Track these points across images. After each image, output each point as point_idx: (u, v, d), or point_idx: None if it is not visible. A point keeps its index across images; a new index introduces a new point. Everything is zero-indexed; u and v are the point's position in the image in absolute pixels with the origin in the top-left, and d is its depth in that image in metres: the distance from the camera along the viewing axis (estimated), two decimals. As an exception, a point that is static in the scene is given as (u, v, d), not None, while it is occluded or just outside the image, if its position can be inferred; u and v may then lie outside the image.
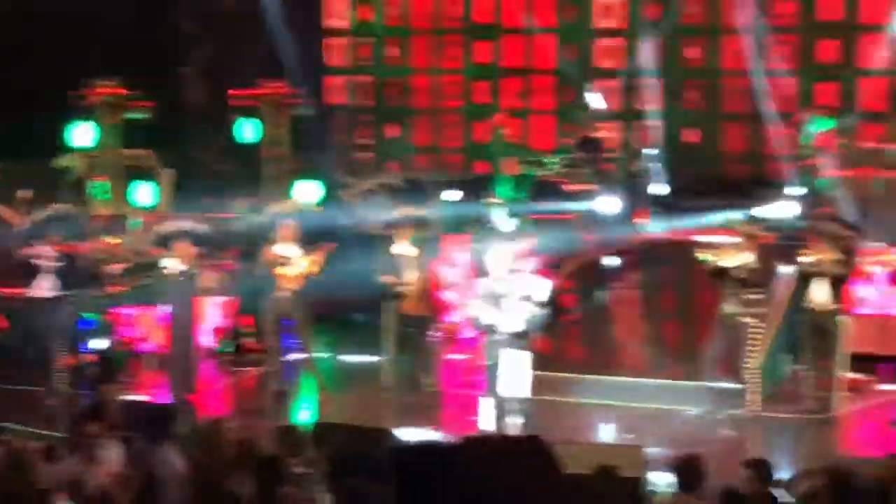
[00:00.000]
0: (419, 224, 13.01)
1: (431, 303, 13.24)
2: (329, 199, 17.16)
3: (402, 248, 12.84)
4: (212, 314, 14.46)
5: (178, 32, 18.51)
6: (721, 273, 12.14)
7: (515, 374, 10.42)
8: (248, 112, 17.77)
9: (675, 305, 15.18)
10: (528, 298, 10.42)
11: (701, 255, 12.18)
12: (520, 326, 10.41)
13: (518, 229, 15.90)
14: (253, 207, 15.81)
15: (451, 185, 17.91)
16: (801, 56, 17.98)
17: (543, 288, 10.61)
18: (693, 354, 13.21)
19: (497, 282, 10.49)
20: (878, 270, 13.87)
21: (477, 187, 17.45)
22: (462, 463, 2.32)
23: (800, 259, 12.28)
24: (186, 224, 12.51)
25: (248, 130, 17.78)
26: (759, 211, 14.23)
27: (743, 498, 7.35)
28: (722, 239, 12.45)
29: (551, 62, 19.18)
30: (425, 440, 7.16)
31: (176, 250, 12.05)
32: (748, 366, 12.22)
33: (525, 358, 10.42)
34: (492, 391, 10.67)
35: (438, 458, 2.35)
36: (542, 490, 2.30)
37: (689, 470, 7.66)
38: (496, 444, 2.38)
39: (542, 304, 10.47)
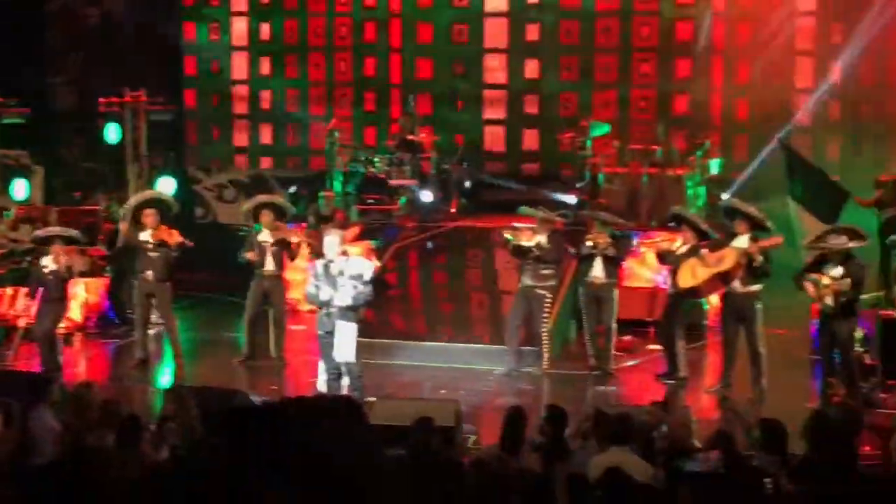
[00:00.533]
0: (278, 211, 12.90)
1: (284, 281, 13.17)
2: (183, 192, 16.81)
3: (265, 234, 12.72)
4: (82, 293, 14.12)
5: (50, 46, 17.94)
6: (520, 251, 12.33)
7: (346, 342, 10.44)
8: (112, 117, 17.34)
9: (482, 281, 15.33)
10: (356, 277, 10.42)
11: (506, 235, 12.38)
12: (349, 301, 10.41)
13: (349, 218, 15.86)
14: (116, 200, 15.43)
15: (290, 180, 17.77)
16: (583, 71, 18.32)
17: (369, 268, 10.64)
18: (498, 322, 13.38)
19: (330, 263, 10.48)
20: (646, 251, 14.24)
21: (313, 182, 17.35)
22: (284, 421, 2.34)
23: (583, 241, 12.53)
24: (59, 229, 12.48)
25: (112, 133, 17.35)
26: (551, 201, 14.45)
27: (520, 435, 7.45)
28: (521, 224, 12.62)
29: (376, 75, 19.17)
30: (258, 401, 7.12)
31: (51, 252, 11.85)
32: (543, 330, 12.43)
33: (353, 328, 10.44)
34: (326, 357, 10.66)
35: (266, 417, 2.37)
36: (354, 442, 2.33)
37: (514, 420, 7.74)
38: (313, 404, 2.40)
39: (368, 282, 10.49)
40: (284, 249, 12.77)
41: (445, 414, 9.08)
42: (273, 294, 12.77)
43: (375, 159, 16.94)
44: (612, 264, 12.42)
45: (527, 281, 12.35)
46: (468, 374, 12.44)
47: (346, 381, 10.71)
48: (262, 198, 13.19)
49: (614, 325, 12.44)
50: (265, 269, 12.69)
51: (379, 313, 13.94)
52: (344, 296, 10.41)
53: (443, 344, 13.38)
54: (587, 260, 12.41)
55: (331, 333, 10.50)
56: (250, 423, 2.35)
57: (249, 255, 12.65)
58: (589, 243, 12.37)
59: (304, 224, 15.18)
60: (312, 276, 10.64)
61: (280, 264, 12.82)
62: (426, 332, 13.85)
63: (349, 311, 10.44)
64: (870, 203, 14.10)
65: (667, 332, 12.19)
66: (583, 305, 12.57)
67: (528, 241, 12.27)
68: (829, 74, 16.56)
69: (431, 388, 11.88)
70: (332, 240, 10.63)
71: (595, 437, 7.55)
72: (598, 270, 12.34)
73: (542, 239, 12.28)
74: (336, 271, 10.42)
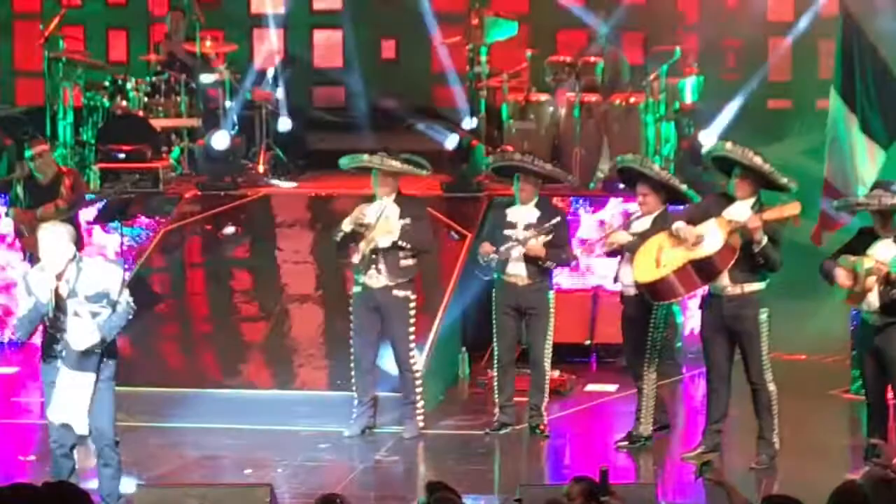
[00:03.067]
0: None
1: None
2: None
3: None
4: None
5: None
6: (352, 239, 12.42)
7: (69, 397, 10.26)
8: None
9: (311, 285, 15.35)
10: (97, 298, 10.28)
11: (342, 228, 12.38)
12: (86, 340, 10.28)
13: (85, 185, 15.69)
14: None
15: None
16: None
17: (117, 278, 10.44)
18: (339, 354, 13.42)
19: (50, 270, 10.32)
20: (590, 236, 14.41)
21: (21, 125, 17.15)
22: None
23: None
24: None
25: None
26: (420, 150, 14.53)
27: None
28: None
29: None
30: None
31: None
32: (412, 360, 12.53)
33: (87, 381, 10.28)
34: (50, 418, 10.57)
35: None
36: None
37: None
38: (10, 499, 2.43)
39: (117, 303, 10.37)
40: None
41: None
42: None
43: (129, 85, 16.81)
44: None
45: (373, 280, 12.46)
46: (291, 439, 12.52)
47: (91, 452, 10.63)
48: None
49: (548, 351, 12.62)
50: None
51: (140, 345, 13.82)
52: (78, 330, 10.37)
53: (248, 392, 13.44)
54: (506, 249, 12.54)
55: (55, 382, 10.38)
56: None
57: None
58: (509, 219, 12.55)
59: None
60: (22, 292, 10.51)
61: None
62: (220, 373, 13.85)
63: (86, 355, 10.38)
64: None
65: (636, 360, 12.35)
66: (497, 321, 12.72)
67: (362, 217, 12.34)
68: None
69: (230, 465, 11.91)
70: (53, 234, 10.40)
71: None
72: (517, 265, 12.48)
73: (389, 206, 12.44)
74: (65, 290, 10.32)
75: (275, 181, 16.64)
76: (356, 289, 12.61)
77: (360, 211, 12.46)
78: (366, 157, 12.70)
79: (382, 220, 12.37)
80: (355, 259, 12.43)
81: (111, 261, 10.76)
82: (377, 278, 12.45)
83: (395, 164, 12.60)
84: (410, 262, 12.53)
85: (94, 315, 10.18)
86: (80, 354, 10.16)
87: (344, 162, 12.90)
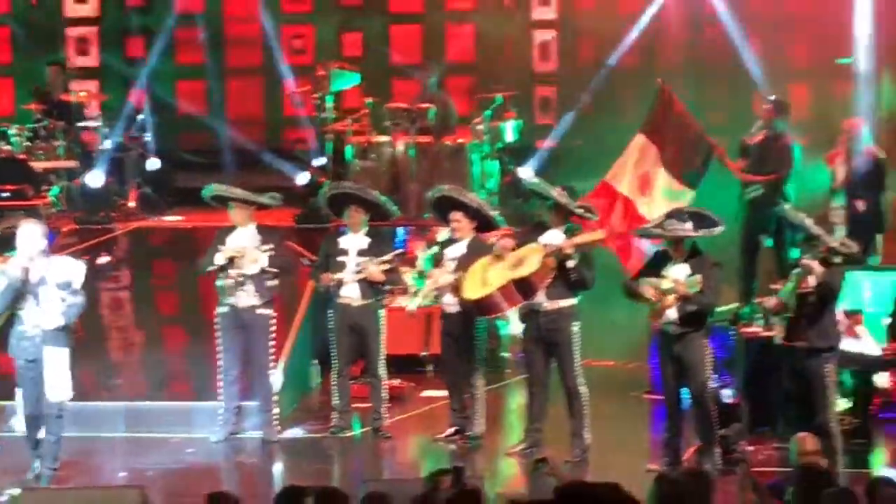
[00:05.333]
0: None
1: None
2: None
3: None
4: None
5: None
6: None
7: (58, 375, 11.02)
8: None
9: (180, 308, 15.29)
10: (64, 286, 11.01)
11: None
12: (56, 318, 11.00)
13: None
14: None
15: None
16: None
17: (80, 271, 11.14)
18: (204, 367, 13.40)
19: (23, 255, 10.98)
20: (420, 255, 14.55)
21: None
22: None
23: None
24: None
25: None
26: (274, 186, 14.56)
27: None
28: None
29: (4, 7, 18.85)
30: None
31: None
32: (272, 373, 12.66)
33: (66, 356, 11.06)
34: (28, 395, 11.17)
35: None
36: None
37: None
38: None
39: (78, 291, 11.11)
40: None
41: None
42: None
43: (11, 131, 16.69)
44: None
45: (241, 300, 12.52)
46: (161, 445, 12.52)
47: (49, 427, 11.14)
48: None
49: (382, 361, 12.75)
50: None
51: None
52: (49, 312, 10.96)
53: (121, 403, 13.32)
54: (334, 271, 12.64)
55: (35, 363, 11.01)
56: None
57: None
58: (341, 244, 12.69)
59: None
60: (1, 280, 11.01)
61: None
62: (95, 386, 13.72)
63: (60, 333, 10.99)
64: (739, 170, 14.63)
65: (453, 368, 12.55)
66: (335, 337, 12.78)
67: (240, 253, 12.42)
68: None
69: (105, 470, 11.94)
70: (29, 229, 11.04)
71: None
72: (351, 288, 12.59)
73: (251, 236, 12.49)
74: (36, 276, 10.90)
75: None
76: (222, 309, 12.61)
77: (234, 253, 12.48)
78: (224, 187, 12.80)
79: (249, 251, 12.42)
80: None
81: (76, 258, 11.44)
82: (245, 298, 12.51)
83: (239, 192, 12.67)
84: (274, 282, 12.60)
85: (63, 300, 11.02)
86: (54, 333, 11.01)
87: (209, 190, 12.88)
